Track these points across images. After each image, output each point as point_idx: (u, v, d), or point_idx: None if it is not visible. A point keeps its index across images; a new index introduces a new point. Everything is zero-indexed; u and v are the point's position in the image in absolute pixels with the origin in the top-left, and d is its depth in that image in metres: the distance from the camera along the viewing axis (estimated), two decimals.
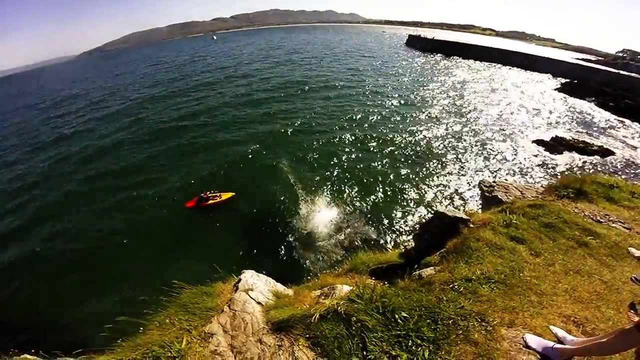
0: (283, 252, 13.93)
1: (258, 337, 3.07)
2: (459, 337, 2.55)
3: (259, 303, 3.66)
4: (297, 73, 52.47)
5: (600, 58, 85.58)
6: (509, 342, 2.53)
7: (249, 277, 4.13)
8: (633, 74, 49.02)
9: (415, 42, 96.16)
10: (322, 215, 15.83)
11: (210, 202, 16.84)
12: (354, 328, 2.71)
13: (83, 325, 10.63)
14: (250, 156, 22.78)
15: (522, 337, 2.56)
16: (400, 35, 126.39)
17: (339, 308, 2.75)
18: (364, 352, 2.56)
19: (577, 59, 72.49)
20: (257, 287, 3.94)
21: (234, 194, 17.62)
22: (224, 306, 3.57)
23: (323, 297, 3.75)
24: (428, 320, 2.67)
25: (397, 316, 2.65)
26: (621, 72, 50.93)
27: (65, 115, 40.64)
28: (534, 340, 2.51)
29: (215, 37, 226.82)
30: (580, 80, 46.44)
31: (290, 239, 14.54)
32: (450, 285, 3.02)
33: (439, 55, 77.43)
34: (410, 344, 2.54)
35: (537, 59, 61.09)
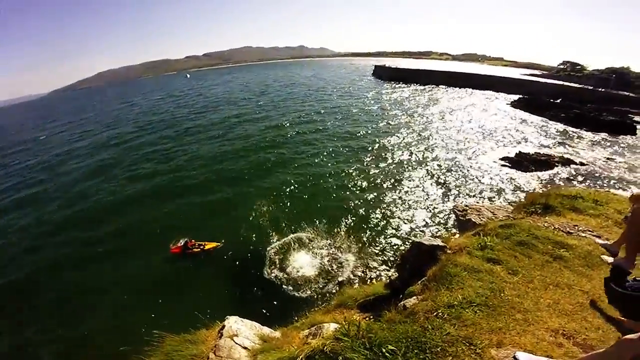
0: (270, 293, 13.52)
1: None
2: None
3: (245, 348, 3.57)
4: (274, 114, 51.43)
5: (545, 72, 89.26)
6: None
7: (233, 322, 4.02)
8: (575, 85, 53.45)
9: (381, 72, 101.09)
10: (308, 254, 15.67)
11: (195, 250, 16.50)
12: None
13: None
14: (233, 199, 22.60)
15: (513, 356, 2.54)
16: (369, 66, 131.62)
17: (325, 348, 2.69)
18: None
19: (526, 74, 78.12)
20: (242, 332, 3.83)
21: (218, 244, 17.00)
22: (209, 353, 3.48)
23: (311, 337, 3.66)
24: (416, 351, 2.63)
25: (384, 350, 2.60)
26: (565, 83, 55.37)
27: (30, 166, 38.70)
28: (525, 358, 2.50)
29: (188, 75, 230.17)
30: (532, 95, 49.70)
31: (277, 280, 14.17)
32: (434, 313, 3.02)
33: (403, 83, 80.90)
34: None
35: (492, 79, 65.83)
